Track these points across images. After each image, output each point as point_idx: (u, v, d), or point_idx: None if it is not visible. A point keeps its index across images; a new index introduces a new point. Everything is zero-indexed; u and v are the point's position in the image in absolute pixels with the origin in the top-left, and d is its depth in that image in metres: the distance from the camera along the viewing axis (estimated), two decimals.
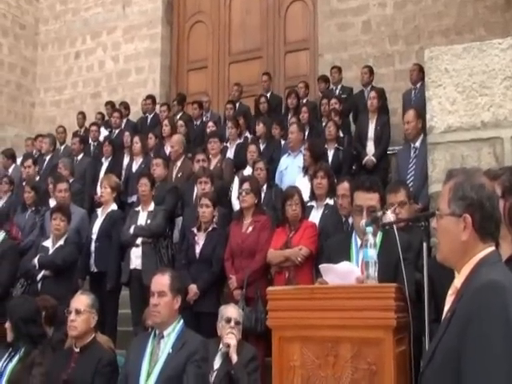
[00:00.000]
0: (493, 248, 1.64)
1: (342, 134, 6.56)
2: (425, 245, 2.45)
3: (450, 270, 1.72)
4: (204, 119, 8.20)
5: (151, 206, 5.17)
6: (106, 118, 8.99)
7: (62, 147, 8.23)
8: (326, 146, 6.10)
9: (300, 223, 4.34)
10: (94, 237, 5.12)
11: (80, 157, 7.41)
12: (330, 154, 6.11)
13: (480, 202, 1.61)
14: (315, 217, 4.57)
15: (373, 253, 2.51)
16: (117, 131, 8.35)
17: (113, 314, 4.92)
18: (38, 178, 6.80)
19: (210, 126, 7.28)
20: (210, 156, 6.10)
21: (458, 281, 1.64)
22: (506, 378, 1.40)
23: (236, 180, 5.60)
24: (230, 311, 3.69)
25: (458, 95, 3.33)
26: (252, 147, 6.10)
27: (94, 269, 5.08)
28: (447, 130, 3.36)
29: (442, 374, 1.52)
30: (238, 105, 8.28)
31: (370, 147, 6.33)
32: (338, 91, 7.88)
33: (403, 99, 7.38)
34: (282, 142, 6.69)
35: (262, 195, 4.98)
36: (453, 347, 1.49)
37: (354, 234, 2.98)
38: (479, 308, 1.47)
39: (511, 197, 2.04)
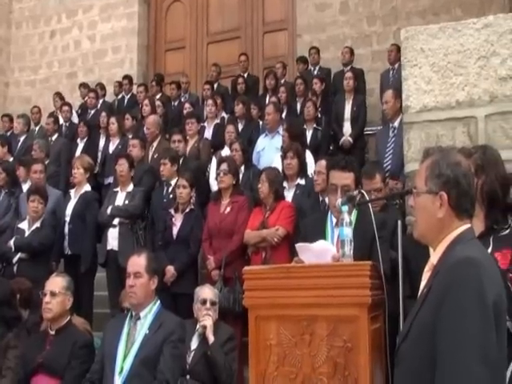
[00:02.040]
0: (468, 225, 1.65)
1: (320, 115, 6.54)
2: (399, 223, 2.47)
3: (425, 248, 1.74)
4: (182, 100, 8.13)
5: (130, 187, 5.13)
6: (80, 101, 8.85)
7: (37, 128, 8.07)
8: (304, 126, 6.08)
9: (276, 203, 4.34)
10: (67, 219, 5.04)
11: (54, 137, 7.26)
12: (309, 134, 6.10)
13: (456, 180, 1.62)
14: (287, 197, 4.58)
15: (348, 231, 2.52)
16: (92, 112, 8.22)
17: (88, 296, 4.89)
18: (11, 159, 6.65)
19: (187, 108, 7.23)
20: (188, 137, 6.04)
21: (435, 257, 1.65)
22: (480, 351, 1.42)
23: (214, 161, 5.58)
24: (206, 292, 3.68)
25: (434, 75, 3.31)
26: (230, 127, 6.07)
27: (68, 251, 5.02)
28: (423, 110, 3.35)
29: (418, 348, 1.53)
30: (215, 85, 8.22)
31: (347, 128, 6.34)
32: (316, 72, 7.84)
33: (381, 80, 7.39)
34: (261, 123, 6.66)
35: (240, 176, 4.97)
36: (428, 322, 1.50)
37: (329, 213, 2.99)
38: (454, 282, 1.49)
39: (483, 175, 2.05)
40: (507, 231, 2.05)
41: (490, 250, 1.93)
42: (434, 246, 1.68)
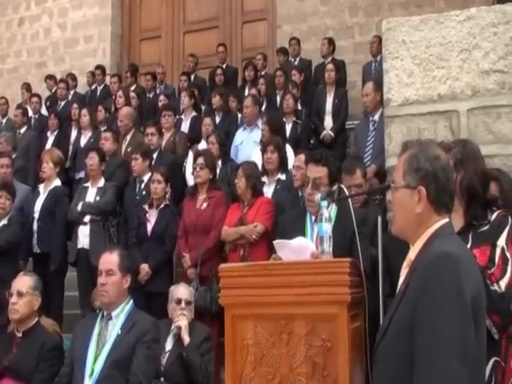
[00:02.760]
0: (447, 220, 1.66)
1: (300, 107, 6.55)
2: (379, 219, 2.49)
3: (406, 245, 1.75)
4: (157, 91, 8.09)
5: (101, 182, 5.08)
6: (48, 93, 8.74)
7: (4, 120, 7.92)
8: (284, 119, 6.09)
9: (254, 199, 4.34)
10: (36, 216, 4.99)
11: (23, 130, 7.15)
12: (288, 127, 6.11)
13: (434, 174, 1.63)
14: (267, 193, 4.59)
15: (327, 227, 2.53)
16: (63, 103, 8.12)
17: (58, 296, 4.84)
18: None
19: (162, 99, 7.20)
20: (163, 130, 6.01)
21: (412, 253, 1.66)
22: (458, 348, 1.43)
23: (190, 155, 5.57)
24: (181, 291, 3.67)
25: (415, 67, 3.34)
26: (207, 120, 6.05)
27: (36, 249, 4.96)
28: (404, 103, 3.38)
29: (396, 346, 1.54)
30: (192, 77, 8.18)
31: (328, 121, 6.36)
32: (296, 63, 7.85)
33: (363, 72, 7.43)
34: (239, 116, 6.65)
35: (217, 170, 4.97)
36: (406, 318, 1.51)
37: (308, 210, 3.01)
38: (432, 278, 1.50)
39: (463, 170, 2.07)
40: (486, 227, 2.07)
41: (468, 247, 1.95)
42: (412, 241, 1.68)
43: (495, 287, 1.95)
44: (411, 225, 1.66)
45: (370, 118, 5.13)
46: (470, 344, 1.45)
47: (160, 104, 7.10)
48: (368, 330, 2.50)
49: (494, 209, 2.11)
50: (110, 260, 3.05)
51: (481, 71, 3.22)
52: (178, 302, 3.62)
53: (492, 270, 1.99)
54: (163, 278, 4.41)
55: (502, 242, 2.03)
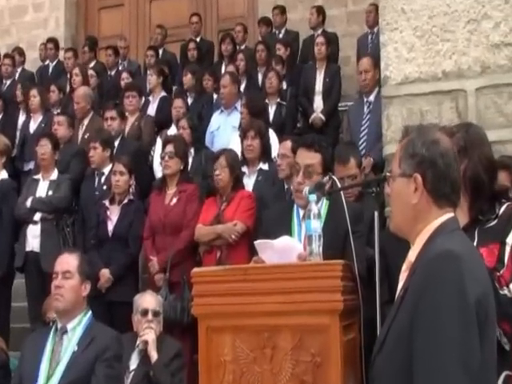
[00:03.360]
0: (451, 214, 1.67)
1: (285, 86, 6.55)
2: (376, 214, 2.51)
3: (406, 244, 1.77)
4: (120, 68, 8.05)
5: (54, 174, 5.06)
6: None
7: None
8: (266, 100, 6.09)
9: (234, 193, 4.35)
10: None
11: None
12: (272, 110, 6.10)
13: (432, 160, 1.64)
14: (248, 185, 4.60)
15: (316, 225, 2.52)
16: (8, 82, 8.05)
17: (4, 307, 4.82)
18: None
19: (125, 78, 7.17)
20: (127, 113, 5.98)
21: (412, 254, 1.67)
22: (459, 357, 1.44)
23: (158, 142, 5.56)
24: (147, 301, 3.66)
25: (417, 40, 3.37)
26: (178, 102, 6.02)
27: None
28: (404, 82, 3.41)
29: (394, 361, 1.55)
30: (161, 51, 8.15)
31: (318, 103, 6.36)
32: (281, 36, 7.86)
33: (358, 46, 7.43)
34: (215, 97, 6.65)
35: (190, 160, 4.96)
36: (406, 325, 1.53)
37: (295, 205, 3.00)
38: (431, 277, 1.51)
39: (466, 158, 2.05)
40: (494, 222, 2.06)
41: (474, 245, 1.96)
42: (411, 239, 1.69)
43: (505, 291, 1.96)
44: (409, 219, 1.67)
45: (365, 99, 5.15)
46: (473, 352, 1.46)
47: (123, 83, 7.07)
48: (364, 342, 2.50)
49: (504, 201, 2.11)
50: (68, 261, 3.06)
51: (491, 45, 3.24)
52: (145, 313, 3.61)
53: (501, 271, 1.99)
54: (127, 286, 4.40)
55: (511, 239, 2.05)
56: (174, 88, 7.20)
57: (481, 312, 1.50)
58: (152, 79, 6.78)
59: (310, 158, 2.94)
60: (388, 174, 1.75)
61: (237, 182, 4.39)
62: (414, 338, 1.50)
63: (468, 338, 1.46)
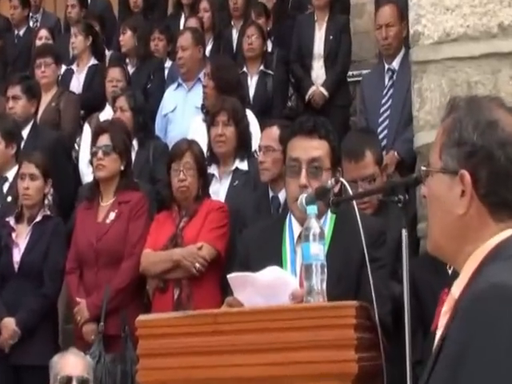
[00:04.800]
0: None
1: (270, 48, 6.55)
2: (405, 234, 2.49)
3: (450, 275, 1.73)
4: (31, 25, 8.07)
5: None
6: None
7: None
8: (244, 68, 6.11)
9: (198, 204, 4.37)
10: None
11: None
12: (252, 82, 6.15)
13: (487, 150, 1.61)
14: (218, 192, 4.63)
15: (318, 250, 2.53)
16: None
17: None
18: None
19: (43, 38, 7.11)
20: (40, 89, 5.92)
21: (457, 287, 1.64)
22: None
23: (86, 130, 5.56)
24: (70, 364, 3.68)
25: None
26: (114, 72, 6.06)
27: None
28: (443, 40, 3.42)
29: None
30: (89, 0, 8.17)
31: (318, 71, 6.39)
32: None
33: None
34: (169, 64, 6.66)
35: (133, 157, 4.96)
36: None
37: (288, 219, 3.02)
38: (476, 328, 1.47)
39: None
40: None
41: None
42: (457, 265, 1.68)
43: None
44: (452, 236, 1.66)
45: (386, 66, 5.15)
46: None
47: (38, 43, 7.04)
48: None
49: None
50: None
51: None
52: (67, 381, 3.60)
53: None
54: (41, 342, 4.39)
55: None
56: (110, 53, 7.22)
57: None
58: (76, 41, 6.77)
59: (314, 148, 2.96)
60: (423, 168, 1.73)
61: (204, 189, 4.42)
62: None
63: None
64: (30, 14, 8.21)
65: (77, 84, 6.62)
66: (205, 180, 4.44)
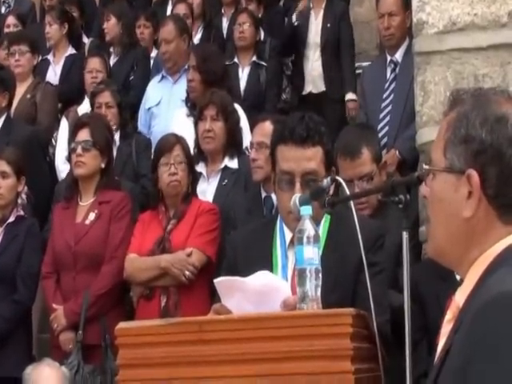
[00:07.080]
0: None
1: (263, 37, 6.61)
2: (405, 236, 2.49)
3: (455, 282, 1.73)
4: (3, 11, 8.20)
5: None
6: None
7: None
8: (234, 59, 6.17)
9: (187, 204, 4.43)
10: None
11: None
12: (244, 74, 6.22)
13: (496, 148, 1.63)
14: (206, 193, 4.69)
15: (312, 254, 2.54)
16: None
17: None
18: None
19: (11, 25, 7.18)
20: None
21: (462, 294, 1.65)
22: None
23: (64, 125, 5.61)
24: (44, 376, 3.67)
25: None
26: (94, 62, 6.09)
27: None
28: (448, 30, 3.43)
29: None
30: None
31: (314, 62, 6.43)
32: None
33: None
34: (153, 54, 6.71)
35: (115, 152, 5.01)
36: None
37: (279, 222, 3.06)
38: (481, 339, 1.48)
39: None
40: None
41: None
42: (462, 271, 1.69)
43: None
44: (458, 240, 1.68)
45: (388, 58, 5.18)
46: None
47: (6, 31, 7.17)
48: None
49: None
50: None
51: None
52: None
53: None
54: (14, 353, 4.40)
55: None
56: (89, 41, 7.30)
57: None
58: (51, 30, 6.82)
59: (307, 159, 2.97)
60: (426, 166, 1.74)
61: (192, 189, 4.50)
62: None
63: None
64: None
65: (53, 75, 6.66)
66: (194, 177, 4.51)
